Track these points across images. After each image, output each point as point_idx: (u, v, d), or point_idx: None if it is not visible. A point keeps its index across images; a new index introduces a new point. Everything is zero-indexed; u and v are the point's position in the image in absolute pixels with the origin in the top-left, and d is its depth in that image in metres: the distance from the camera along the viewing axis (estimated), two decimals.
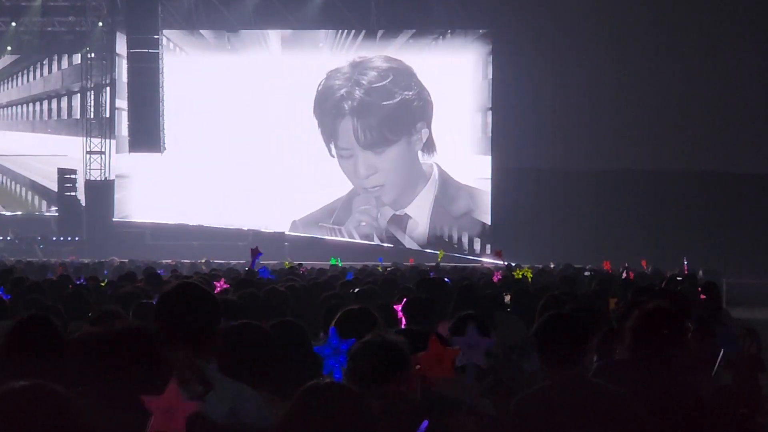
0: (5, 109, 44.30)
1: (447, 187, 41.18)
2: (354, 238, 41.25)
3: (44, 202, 43.63)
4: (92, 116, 42.30)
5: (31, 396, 3.74)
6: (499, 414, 5.62)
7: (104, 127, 42.17)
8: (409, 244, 41.03)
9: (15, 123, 44.24)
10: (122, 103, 41.06)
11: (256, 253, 16.06)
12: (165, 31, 40.14)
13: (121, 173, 42.35)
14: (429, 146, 41.17)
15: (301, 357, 5.71)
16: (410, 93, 41.12)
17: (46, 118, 44.34)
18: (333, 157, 41.40)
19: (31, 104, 44.31)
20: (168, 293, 5.21)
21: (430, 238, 41.09)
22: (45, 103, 44.31)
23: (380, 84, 41.07)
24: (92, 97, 42.43)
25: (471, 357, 5.16)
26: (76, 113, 43.63)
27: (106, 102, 42.27)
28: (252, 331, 5.57)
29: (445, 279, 16.98)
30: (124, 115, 40.49)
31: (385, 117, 40.93)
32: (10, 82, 44.18)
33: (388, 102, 40.96)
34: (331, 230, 41.54)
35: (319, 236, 40.90)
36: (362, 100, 41.00)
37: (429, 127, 41.12)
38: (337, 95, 41.19)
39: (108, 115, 42.23)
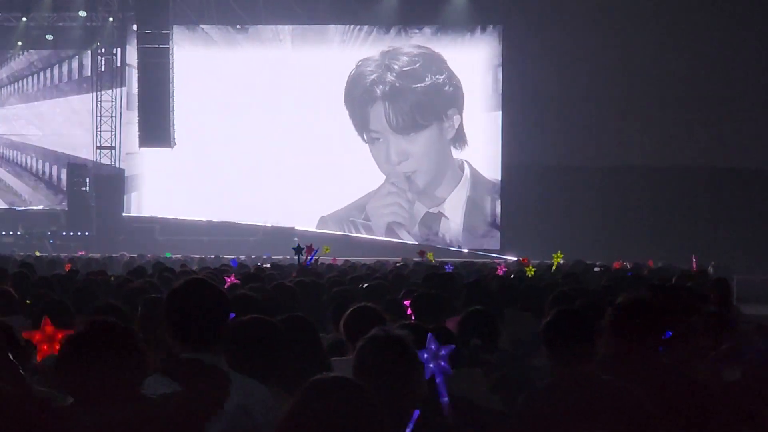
0: (17, 106, 44.34)
1: (477, 184, 41.06)
2: (382, 235, 41.11)
3: (54, 197, 43.66)
4: (102, 111, 42.31)
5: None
6: (508, 409, 5.62)
7: (114, 122, 42.21)
8: (441, 242, 40.93)
9: (26, 118, 44.23)
10: (132, 98, 41.07)
11: (311, 251, 16.30)
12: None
13: (132, 168, 42.39)
14: (460, 138, 41.06)
15: (310, 352, 5.71)
16: (441, 77, 41.00)
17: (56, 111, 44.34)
18: (366, 142, 41.28)
19: (41, 100, 44.31)
20: (177, 289, 5.21)
21: (465, 237, 41.01)
22: (55, 97, 44.32)
23: (411, 68, 41.03)
24: (102, 91, 42.42)
25: (435, 367, 5.08)
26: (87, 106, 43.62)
27: (116, 97, 42.28)
28: (261, 326, 5.58)
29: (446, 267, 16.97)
30: (135, 110, 40.45)
31: (416, 101, 40.81)
32: (23, 74, 44.22)
33: (418, 85, 40.88)
34: (364, 226, 41.43)
35: (333, 232, 40.68)
36: (393, 83, 40.91)
37: (461, 114, 41.04)
38: (368, 81, 41.13)
39: (118, 110, 42.26)
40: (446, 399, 4.91)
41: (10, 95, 44.21)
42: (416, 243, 38.96)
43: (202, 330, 4.95)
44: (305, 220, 40.64)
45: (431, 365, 4.95)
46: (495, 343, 7.10)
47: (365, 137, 41.24)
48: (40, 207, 43.54)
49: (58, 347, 5.04)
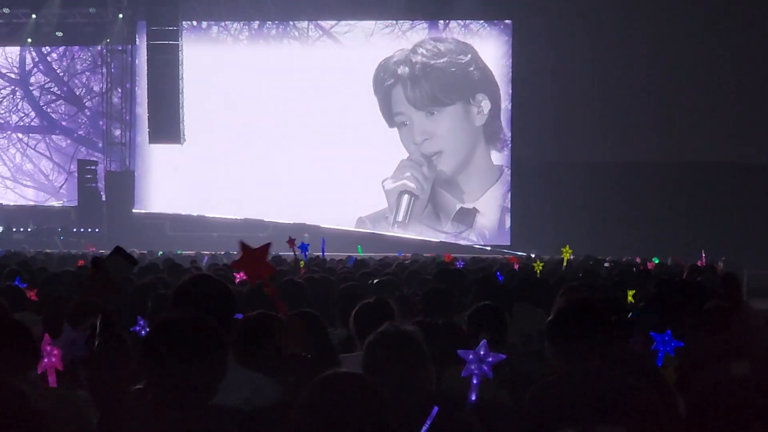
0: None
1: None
2: (393, 205, 41.07)
3: (64, 194, 43.72)
4: (113, 108, 42.37)
5: None
6: (515, 404, 5.62)
7: (124, 118, 42.27)
8: (479, 237, 40.93)
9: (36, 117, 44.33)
10: (142, 94, 41.11)
11: (293, 244, 16.66)
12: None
13: (142, 165, 42.46)
14: (495, 130, 41.08)
15: (317, 347, 5.70)
16: (464, 58, 40.97)
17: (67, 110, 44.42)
18: (393, 127, 41.28)
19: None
20: (184, 285, 5.23)
21: (500, 234, 41.01)
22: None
23: (435, 50, 41.20)
24: (112, 88, 42.48)
25: (477, 370, 5.11)
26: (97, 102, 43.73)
27: (126, 93, 42.34)
28: (267, 321, 5.58)
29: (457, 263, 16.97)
30: (145, 107, 40.48)
31: (435, 76, 40.92)
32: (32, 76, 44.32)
33: (438, 60, 40.95)
34: (401, 224, 41.40)
35: (350, 229, 40.60)
36: (414, 63, 41.04)
37: (494, 102, 41.04)
38: (392, 64, 41.29)
39: (128, 107, 42.33)
40: (474, 399, 4.94)
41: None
42: (445, 241, 39.19)
43: None
44: (337, 220, 40.72)
45: (473, 366, 4.97)
46: (503, 338, 7.10)
47: (394, 121, 41.18)
48: (51, 204, 43.61)
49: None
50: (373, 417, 3.86)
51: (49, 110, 44.10)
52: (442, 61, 40.97)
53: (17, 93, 44.17)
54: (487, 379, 5.11)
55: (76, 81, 44.17)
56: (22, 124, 44.18)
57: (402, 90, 41.02)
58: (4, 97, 44.11)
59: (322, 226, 39.49)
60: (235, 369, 4.97)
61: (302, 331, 5.09)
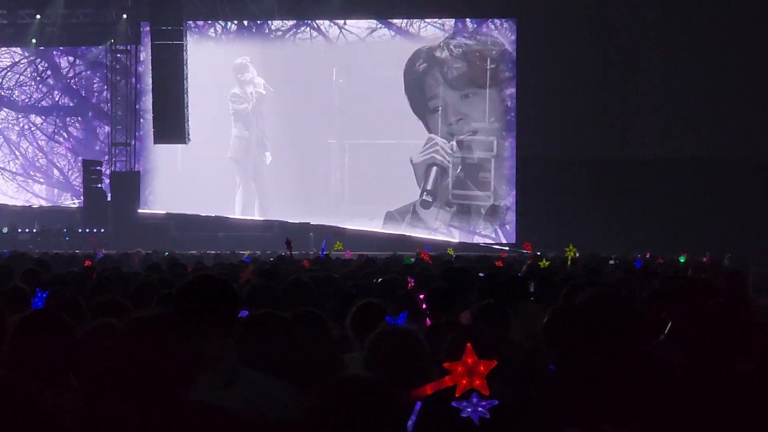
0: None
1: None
2: (421, 178, 41.16)
3: (69, 194, 43.79)
4: (117, 108, 42.42)
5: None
6: (518, 402, 5.60)
7: (129, 118, 42.29)
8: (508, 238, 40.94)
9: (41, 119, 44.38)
10: (147, 94, 41.16)
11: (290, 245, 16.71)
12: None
13: (146, 164, 42.54)
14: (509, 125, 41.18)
15: (321, 347, 5.70)
16: (493, 49, 41.07)
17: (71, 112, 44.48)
18: (425, 115, 41.31)
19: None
20: (186, 285, 5.22)
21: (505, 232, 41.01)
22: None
23: (464, 41, 41.31)
24: (116, 88, 42.52)
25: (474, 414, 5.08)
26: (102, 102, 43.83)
27: (130, 93, 42.36)
28: (272, 321, 5.57)
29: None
30: (149, 107, 40.51)
31: (464, 58, 41.06)
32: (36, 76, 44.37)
33: (468, 44, 41.11)
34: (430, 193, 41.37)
35: (357, 228, 40.49)
36: (443, 50, 41.15)
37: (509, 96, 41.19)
38: (426, 50, 41.43)
39: (133, 107, 42.37)
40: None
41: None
42: (471, 242, 39.27)
43: (210, 324, 4.95)
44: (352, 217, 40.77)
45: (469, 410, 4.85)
46: (507, 336, 7.10)
47: (428, 106, 41.13)
48: (56, 204, 43.67)
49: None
50: (389, 419, 3.85)
51: (55, 111, 44.18)
52: (472, 44, 41.07)
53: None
54: (490, 378, 5.09)
55: (82, 81, 44.24)
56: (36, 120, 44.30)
57: (439, 72, 41.02)
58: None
59: (341, 226, 39.57)
60: (239, 370, 4.97)
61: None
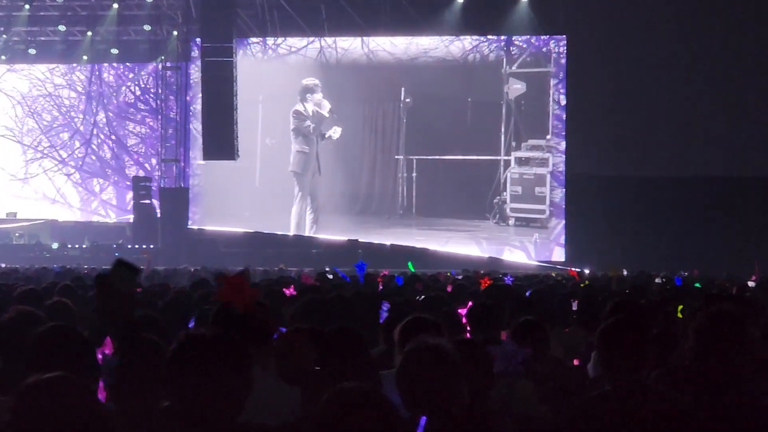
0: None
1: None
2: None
3: (120, 210, 44.12)
4: (167, 124, 42.73)
5: (56, 388, 3.81)
6: (556, 419, 5.58)
7: (179, 135, 42.56)
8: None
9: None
10: (196, 111, 41.44)
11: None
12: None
13: (196, 181, 42.78)
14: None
15: (356, 364, 5.68)
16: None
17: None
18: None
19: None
20: (224, 303, 5.25)
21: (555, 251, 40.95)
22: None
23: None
24: (166, 105, 42.86)
25: (507, 366, 5.10)
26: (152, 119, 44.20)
27: (180, 110, 42.66)
28: (307, 337, 5.59)
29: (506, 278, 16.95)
30: (198, 123, 40.78)
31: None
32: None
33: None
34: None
35: (406, 244, 40.45)
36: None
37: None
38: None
39: (183, 123, 42.65)
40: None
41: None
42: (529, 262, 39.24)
43: (247, 341, 4.96)
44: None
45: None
46: (545, 353, 7.08)
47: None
48: (106, 220, 44.02)
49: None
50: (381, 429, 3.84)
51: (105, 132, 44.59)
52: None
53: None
54: (528, 393, 5.09)
55: (133, 98, 44.63)
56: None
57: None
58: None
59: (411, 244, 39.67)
60: (278, 387, 5.00)
61: (302, 345, 5.12)
